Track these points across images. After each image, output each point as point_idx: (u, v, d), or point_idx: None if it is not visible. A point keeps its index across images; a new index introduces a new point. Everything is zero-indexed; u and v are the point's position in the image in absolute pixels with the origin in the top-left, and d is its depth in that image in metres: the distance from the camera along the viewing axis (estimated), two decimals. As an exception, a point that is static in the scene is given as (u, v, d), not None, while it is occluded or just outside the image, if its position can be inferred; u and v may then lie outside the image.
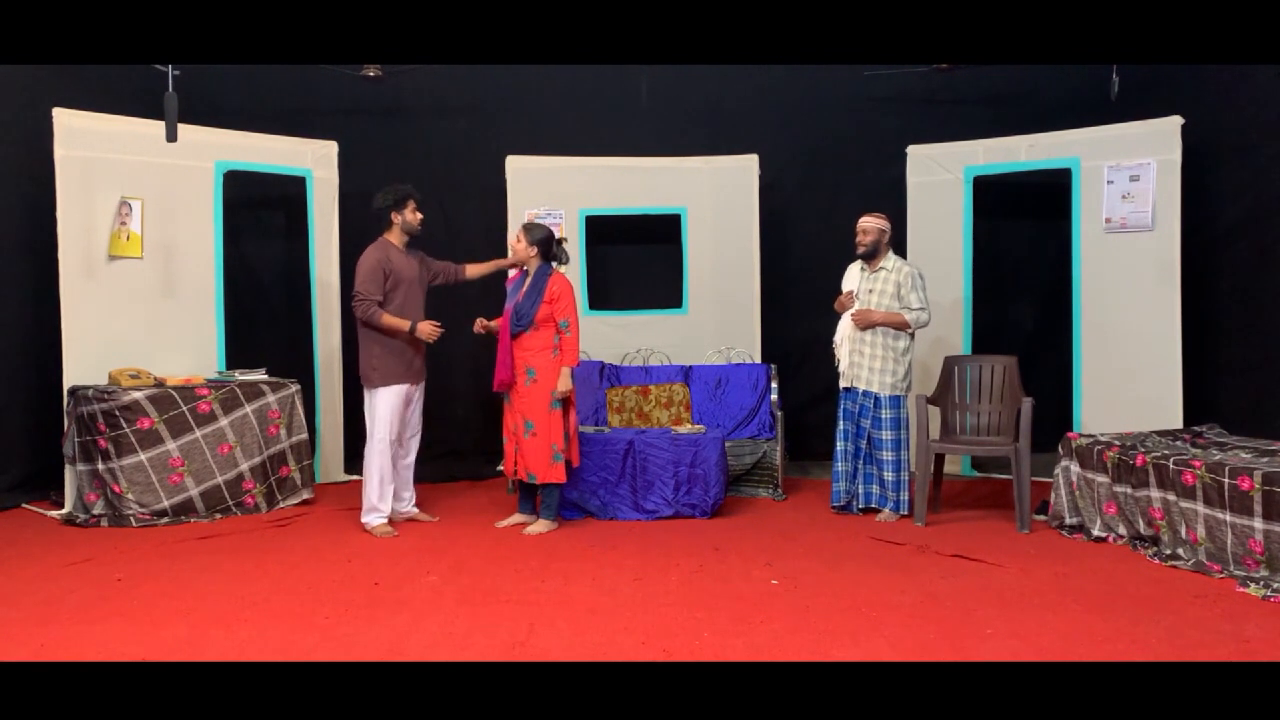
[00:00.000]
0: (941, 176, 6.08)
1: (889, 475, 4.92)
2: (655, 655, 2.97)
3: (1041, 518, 4.85)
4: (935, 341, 5.87)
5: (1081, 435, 4.80)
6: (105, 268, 5.24)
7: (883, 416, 4.90)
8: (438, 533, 4.71)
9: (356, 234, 5.64)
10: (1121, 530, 4.40)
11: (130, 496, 4.84)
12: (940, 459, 5.07)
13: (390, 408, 4.70)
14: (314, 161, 5.99)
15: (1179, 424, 5.23)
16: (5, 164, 5.31)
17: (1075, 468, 4.65)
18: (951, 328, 6.01)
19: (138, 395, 4.88)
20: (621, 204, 6.39)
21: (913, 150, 6.16)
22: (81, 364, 5.09)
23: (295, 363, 5.96)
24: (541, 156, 6.33)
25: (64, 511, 4.99)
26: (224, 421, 5.10)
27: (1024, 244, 6.76)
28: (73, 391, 5.00)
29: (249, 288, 6.37)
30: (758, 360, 6.19)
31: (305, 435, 5.47)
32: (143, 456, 4.87)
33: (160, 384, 5.05)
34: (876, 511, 4.97)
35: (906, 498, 4.93)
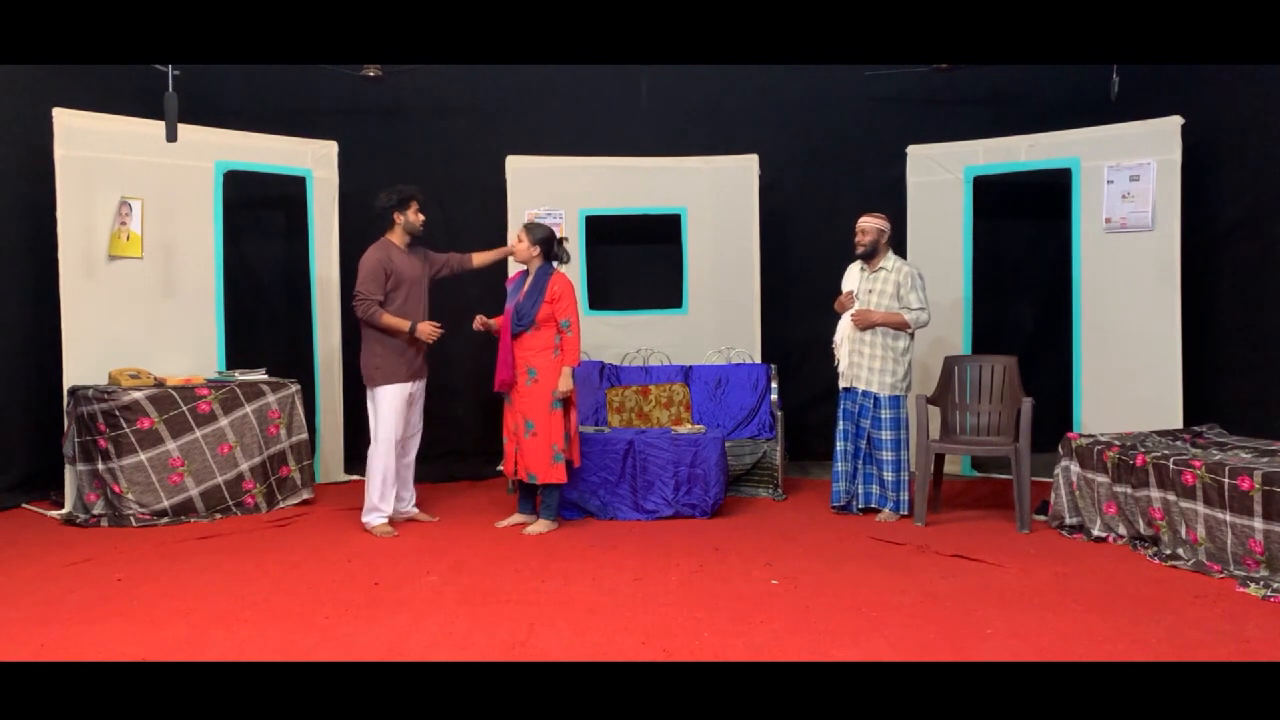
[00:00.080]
0: (941, 176, 6.07)
1: (889, 475, 4.92)
2: (655, 655, 2.97)
3: (1041, 518, 4.85)
4: (935, 341, 5.87)
5: (1081, 435, 4.80)
6: (105, 268, 5.24)
7: (882, 416, 4.90)
8: (438, 533, 4.71)
9: (356, 234, 5.64)
10: (1121, 530, 4.40)
11: (130, 496, 4.84)
12: (940, 459, 5.07)
13: (393, 406, 4.71)
14: (314, 161, 6.00)
15: (1179, 424, 5.23)
16: (5, 164, 5.31)
17: (1075, 468, 4.65)
18: (951, 328, 6.01)
19: (138, 395, 4.88)
20: (621, 204, 6.39)
21: (913, 150, 6.16)
22: (81, 364, 5.09)
23: (295, 363, 5.96)
24: (541, 156, 6.33)
25: (64, 511, 4.99)
26: (224, 421, 5.10)
27: (1024, 244, 6.76)
28: (73, 391, 5.00)
29: (249, 288, 6.37)
30: (758, 360, 6.19)
31: (305, 435, 5.47)
32: (143, 456, 4.87)
33: (160, 384, 5.05)
34: (876, 511, 4.97)
35: (906, 498, 4.93)
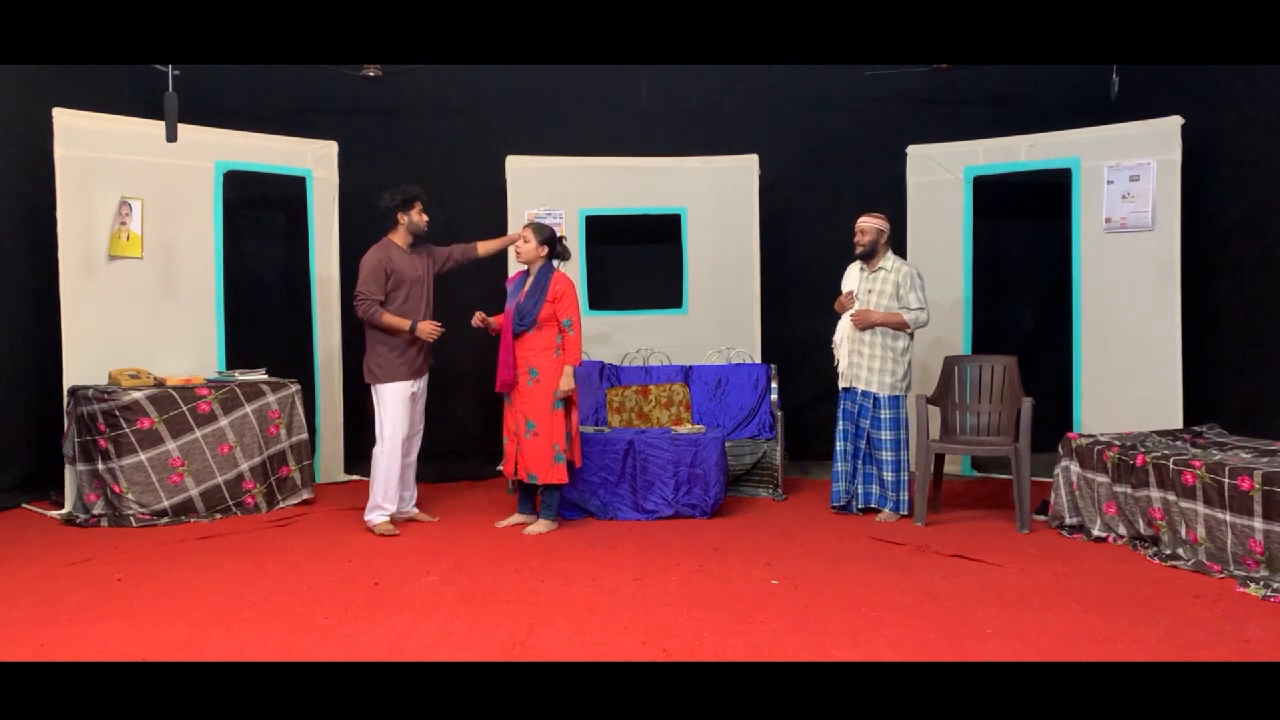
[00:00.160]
0: (941, 176, 6.08)
1: (888, 475, 4.92)
2: (655, 655, 2.97)
3: (1041, 518, 4.85)
4: (935, 341, 5.87)
5: (1081, 435, 4.80)
6: (105, 268, 5.24)
7: (882, 416, 4.90)
8: (438, 533, 4.71)
9: (356, 234, 5.65)
10: (1121, 530, 4.40)
11: (130, 496, 4.84)
12: (940, 459, 5.07)
13: (398, 404, 4.71)
14: (314, 161, 6.00)
15: (1179, 424, 5.23)
16: (5, 164, 5.31)
17: (1075, 468, 4.65)
18: (951, 328, 6.01)
19: (138, 395, 4.89)
20: (621, 204, 6.39)
21: (913, 150, 6.16)
22: (81, 364, 5.09)
23: (295, 363, 5.96)
24: (541, 156, 6.33)
25: (64, 511, 4.99)
26: (224, 421, 5.10)
27: (1024, 244, 6.76)
28: (73, 391, 5.00)
29: (249, 288, 6.37)
30: (758, 360, 6.19)
31: (305, 435, 5.47)
32: (143, 456, 4.87)
33: (160, 384, 5.05)
34: (876, 511, 4.97)
35: (906, 498, 4.93)
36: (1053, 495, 4.74)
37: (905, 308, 4.84)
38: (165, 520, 4.87)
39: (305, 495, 5.41)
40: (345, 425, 6.09)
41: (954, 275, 6.01)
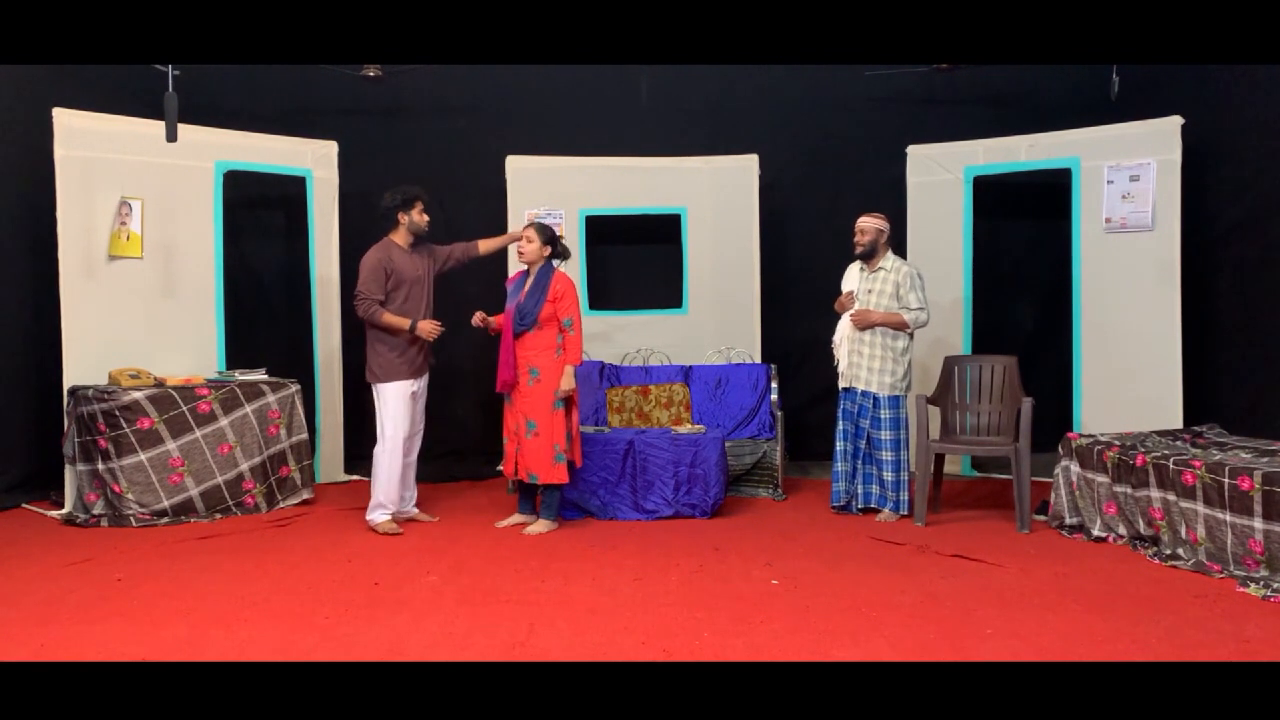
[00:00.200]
0: (941, 176, 6.08)
1: (888, 475, 4.92)
2: (655, 655, 2.97)
3: (1041, 518, 4.85)
4: (935, 341, 5.87)
5: (1081, 435, 4.80)
6: (105, 268, 5.24)
7: (882, 416, 4.90)
8: (438, 533, 4.71)
9: (356, 234, 5.65)
10: (1121, 530, 4.40)
11: (130, 496, 4.84)
12: (940, 459, 5.07)
13: (400, 404, 4.72)
14: (314, 161, 6.00)
15: (1179, 424, 5.23)
16: (5, 164, 5.31)
17: (1075, 468, 4.65)
18: (951, 328, 6.01)
19: (138, 395, 4.88)
20: (621, 204, 6.39)
21: (913, 150, 6.16)
22: (81, 364, 5.09)
23: (295, 363, 5.96)
24: (541, 156, 6.33)
25: (64, 511, 4.99)
26: (224, 421, 5.10)
27: (1024, 244, 6.76)
28: (73, 391, 5.00)
29: (249, 288, 6.37)
30: (758, 360, 6.19)
31: (305, 435, 5.47)
32: (143, 456, 4.87)
33: (160, 384, 5.05)
34: (876, 511, 4.97)
35: (906, 498, 4.93)
36: (1053, 495, 4.74)
37: (905, 308, 4.84)
38: (165, 520, 4.87)
39: (305, 495, 5.41)
40: (345, 425, 6.09)
41: (954, 275, 6.01)
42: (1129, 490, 4.33)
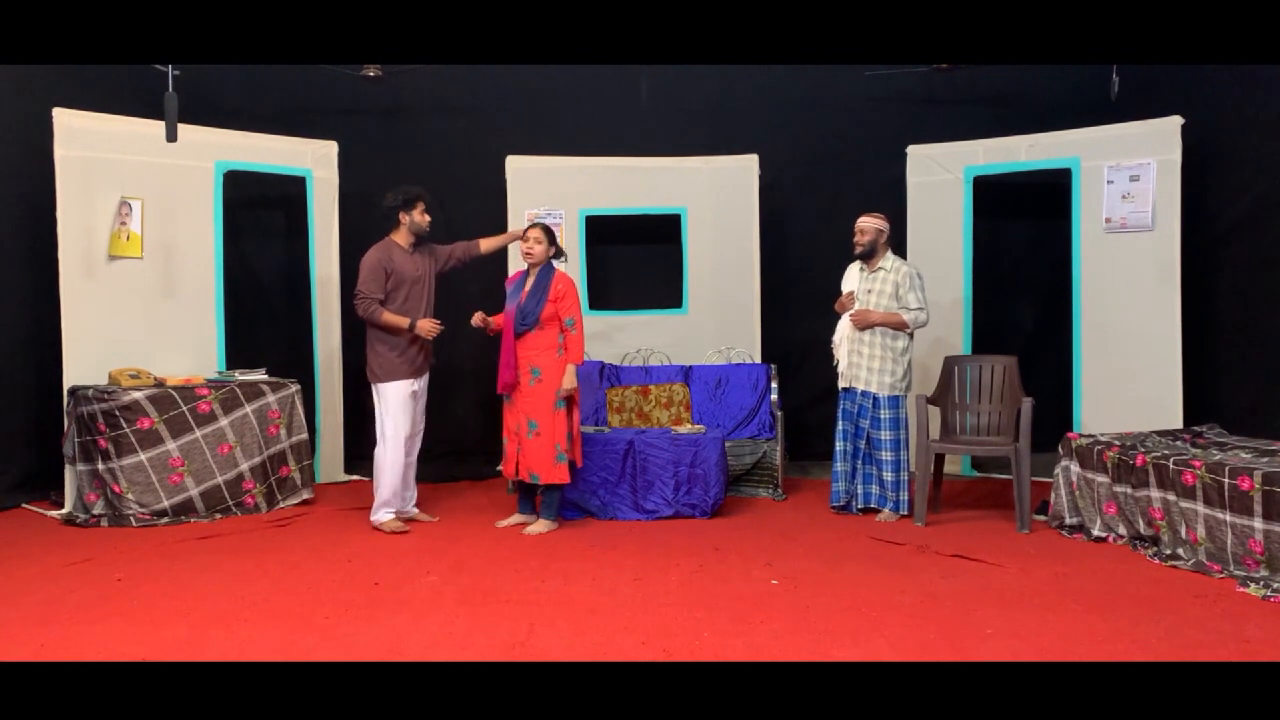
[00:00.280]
0: (941, 176, 6.07)
1: (888, 475, 4.92)
2: (655, 655, 2.97)
3: (1041, 518, 4.85)
4: (935, 341, 5.87)
5: (1081, 435, 4.80)
6: (105, 268, 5.24)
7: (881, 417, 4.90)
8: (438, 533, 4.71)
9: (356, 234, 5.65)
10: (1121, 530, 4.40)
11: (130, 496, 4.84)
12: (940, 459, 5.07)
13: (399, 403, 4.72)
14: (314, 161, 6.00)
15: (1179, 424, 5.23)
16: (5, 164, 5.31)
17: (1075, 468, 4.65)
18: (951, 328, 6.01)
19: (138, 395, 4.89)
20: (621, 204, 6.39)
21: (913, 150, 6.16)
22: (81, 364, 5.09)
23: (295, 363, 5.96)
24: (541, 156, 6.33)
25: (64, 511, 4.99)
26: (224, 421, 5.10)
27: (1024, 244, 6.75)
28: (73, 391, 5.00)
29: (249, 288, 6.37)
30: (758, 360, 6.19)
31: (305, 435, 5.47)
32: (143, 456, 4.87)
33: (160, 384, 5.05)
34: (876, 511, 4.97)
35: (906, 498, 4.93)
36: (1053, 495, 4.74)
37: (905, 308, 4.84)
38: (165, 520, 4.87)
39: (305, 495, 5.41)
40: (345, 425, 6.09)
41: (954, 275, 6.01)
42: (1129, 490, 4.33)
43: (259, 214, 6.48)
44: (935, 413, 5.24)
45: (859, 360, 4.93)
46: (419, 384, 4.85)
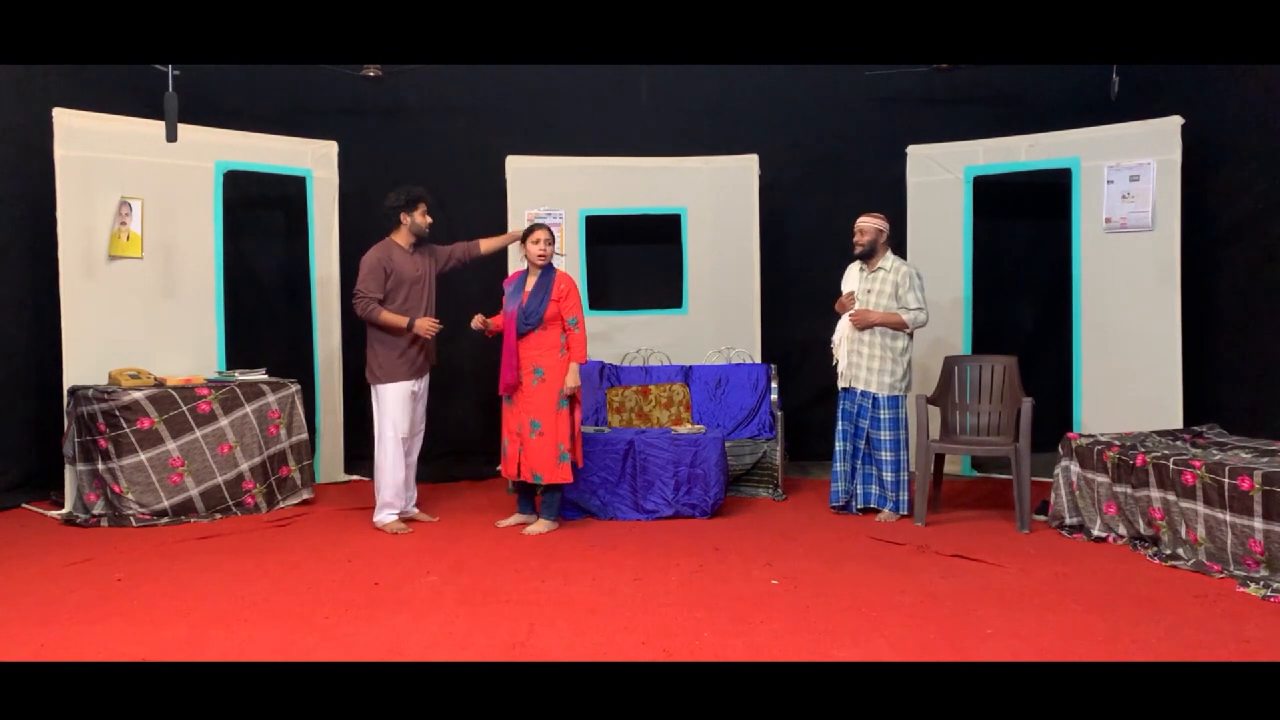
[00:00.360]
0: (941, 176, 6.08)
1: (888, 475, 4.92)
2: (655, 655, 2.97)
3: (1041, 518, 4.85)
4: (935, 341, 5.87)
5: (1081, 435, 4.80)
6: (105, 268, 5.24)
7: (881, 417, 4.90)
8: (438, 533, 4.71)
9: (356, 234, 5.66)
10: (1121, 530, 4.40)
11: (130, 496, 4.84)
12: (940, 459, 5.07)
13: (397, 404, 4.72)
14: (314, 161, 6.00)
15: (1179, 424, 5.23)
16: (5, 164, 5.31)
17: (1075, 468, 4.65)
18: (951, 328, 6.01)
19: (138, 395, 4.89)
20: (621, 204, 6.39)
21: (913, 150, 6.16)
22: (81, 364, 5.09)
23: (295, 363, 5.96)
24: (541, 156, 6.33)
25: (64, 511, 4.99)
26: (224, 421, 5.10)
27: (1024, 244, 6.76)
28: (73, 391, 5.00)
29: (249, 288, 6.37)
30: (758, 360, 6.19)
31: (305, 435, 5.47)
32: (143, 456, 4.87)
33: (160, 384, 5.05)
34: (876, 511, 4.97)
35: (906, 498, 4.93)
36: (1053, 495, 4.74)
37: (904, 308, 4.84)
38: (165, 520, 4.87)
39: (305, 495, 5.41)
40: (345, 425, 6.09)
41: (954, 275, 6.01)
42: (1129, 490, 4.33)
43: (259, 214, 6.48)
44: (935, 413, 5.24)
45: (859, 360, 4.93)
46: (418, 385, 4.85)
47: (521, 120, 6.63)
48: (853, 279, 5.04)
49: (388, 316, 4.67)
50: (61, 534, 4.69)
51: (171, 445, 4.93)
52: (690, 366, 6.06)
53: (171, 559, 4.19)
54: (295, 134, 5.97)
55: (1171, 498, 4.09)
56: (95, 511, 4.86)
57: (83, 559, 4.17)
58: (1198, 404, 5.37)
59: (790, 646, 3.04)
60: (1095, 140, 5.62)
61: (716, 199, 6.35)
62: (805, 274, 6.46)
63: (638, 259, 6.78)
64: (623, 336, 6.34)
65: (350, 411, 6.05)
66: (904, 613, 3.37)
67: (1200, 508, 3.94)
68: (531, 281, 4.73)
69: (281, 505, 5.30)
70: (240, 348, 5.80)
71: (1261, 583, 3.61)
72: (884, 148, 6.34)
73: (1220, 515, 3.84)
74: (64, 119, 5.07)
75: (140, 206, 5.33)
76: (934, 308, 5.11)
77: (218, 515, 5.02)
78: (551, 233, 4.77)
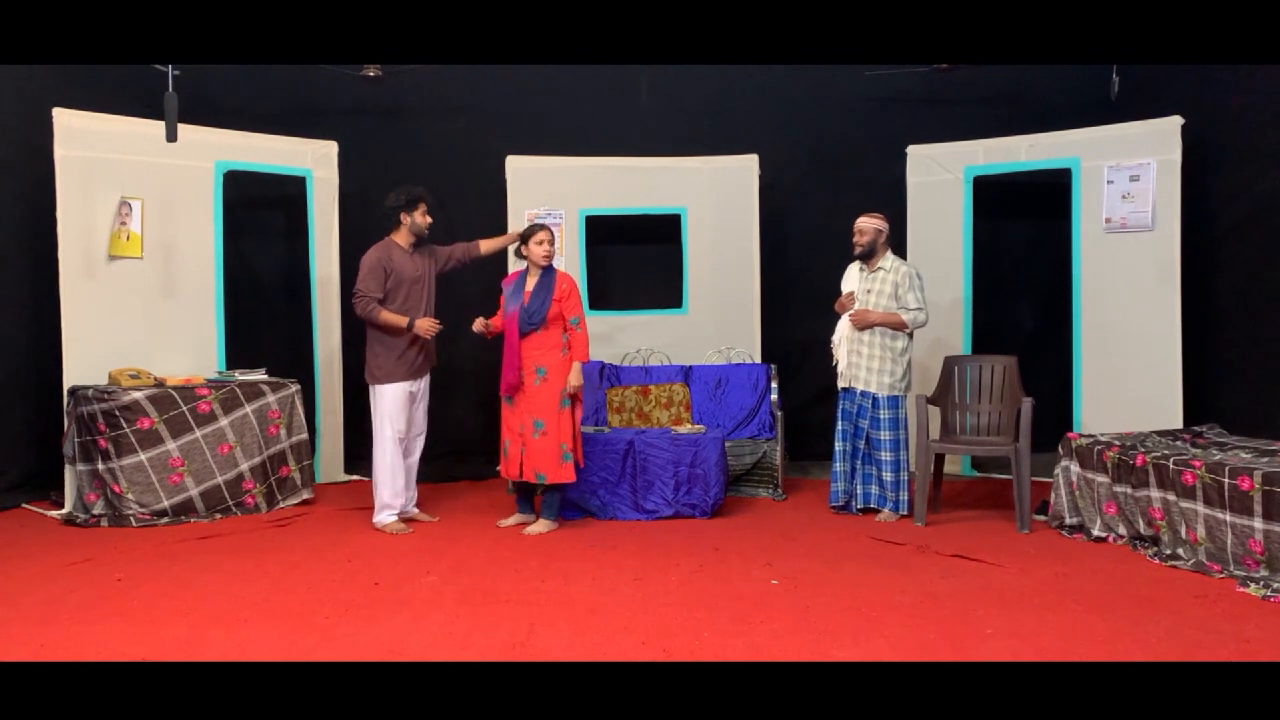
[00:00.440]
0: (941, 176, 6.08)
1: (888, 475, 4.92)
2: (655, 655, 2.97)
3: (1041, 518, 4.85)
4: (935, 341, 5.87)
5: (1081, 435, 4.80)
6: (105, 268, 5.24)
7: (881, 417, 4.90)
8: (438, 533, 4.71)
9: (356, 234, 5.65)
10: (1121, 530, 4.40)
11: (130, 496, 4.84)
12: (940, 459, 5.07)
13: (395, 404, 4.72)
14: (314, 161, 6.00)
15: (1179, 424, 5.23)
16: (5, 164, 5.31)
17: (1075, 468, 4.65)
18: (951, 328, 6.01)
19: (138, 395, 4.88)
20: (621, 204, 6.39)
21: (913, 150, 6.16)
22: (81, 364, 5.09)
23: (295, 363, 5.96)
24: (541, 156, 6.33)
25: (64, 511, 4.99)
26: (224, 421, 5.10)
27: (1024, 244, 6.76)
28: (73, 391, 5.00)
29: (249, 288, 6.37)
30: (758, 360, 6.19)
31: (305, 435, 5.47)
32: (143, 456, 4.87)
33: (160, 384, 5.05)
34: (876, 511, 4.97)
35: (906, 498, 4.93)
36: (1053, 495, 4.74)
37: (904, 308, 4.84)
38: (165, 520, 4.87)
39: (305, 495, 5.41)
40: (345, 425, 6.09)
41: (954, 275, 6.01)
42: (1129, 490, 4.33)
43: (259, 214, 6.48)
44: (935, 413, 5.24)
45: (858, 360, 4.93)
46: (417, 386, 4.85)
47: (521, 120, 6.63)
48: (852, 279, 5.04)
49: (387, 316, 4.67)
50: (61, 534, 4.69)
51: (171, 445, 4.93)
52: (690, 366, 6.06)
53: (171, 559, 4.19)
54: (295, 134, 5.97)
55: (1171, 498, 4.09)
56: (95, 511, 4.86)
57: (83, 559, 4.18)
58: (1198, 404, 5.37)
59: (790, 646, 3.04)
60: (1095, 140, 5.62)
61: (716, 199, 6.35)
62: (805, 274, 6.46)
63: (638, 259, 6.78)
64: (623, 336, 6.34)
65: (350, 411, 6.05)
66: (904, 613, 3.37)
67: (1200, 508, 3.94)
68: (532, 282, 4.73)
69: (281, 505, 5.30)
70: (240, 348, 5.80)
71: (1261, 583, 3.61)
72: (884, 148, 6.34)
73: (1220, 515, 3.84)
74: (64, 119, 5.07)
75: (140, 206, 5.33)
76: (934, 308, 5.11)
77: (218, 515, 5.02)
78: (552, 233, 4.77)
